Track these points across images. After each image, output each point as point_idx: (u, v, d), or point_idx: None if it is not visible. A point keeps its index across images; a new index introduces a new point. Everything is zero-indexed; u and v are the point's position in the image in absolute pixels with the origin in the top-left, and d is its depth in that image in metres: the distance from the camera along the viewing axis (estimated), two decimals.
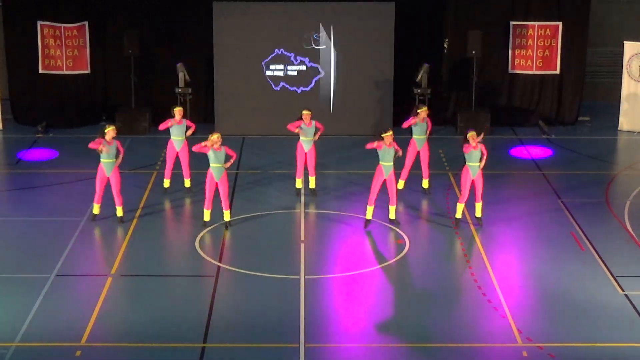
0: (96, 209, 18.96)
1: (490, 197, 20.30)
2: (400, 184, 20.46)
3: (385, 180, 18.45)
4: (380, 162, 18.38)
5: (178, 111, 20.14)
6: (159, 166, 22.16)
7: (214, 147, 18.24)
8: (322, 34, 24.73)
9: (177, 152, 20.23)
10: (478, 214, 18.86)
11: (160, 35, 25.86)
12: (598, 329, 14.89)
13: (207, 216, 18.78)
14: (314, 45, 24.38)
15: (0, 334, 14.50)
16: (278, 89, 25.11)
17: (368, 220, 18.75)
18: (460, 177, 18.71)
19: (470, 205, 18.98)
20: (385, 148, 18.25)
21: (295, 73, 25.08)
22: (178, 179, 20.51)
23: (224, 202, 18.67)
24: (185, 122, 20.20)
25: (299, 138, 20.18)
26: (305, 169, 20.38)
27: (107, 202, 18.97)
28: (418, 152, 20.35)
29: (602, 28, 27.16)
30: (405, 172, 20.54)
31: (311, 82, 25.08)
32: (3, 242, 18.23)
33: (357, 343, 14.53)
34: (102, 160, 18.57)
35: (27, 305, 15.41)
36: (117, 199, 18.79)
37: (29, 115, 25.95)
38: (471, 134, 18.37)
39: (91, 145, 18.50)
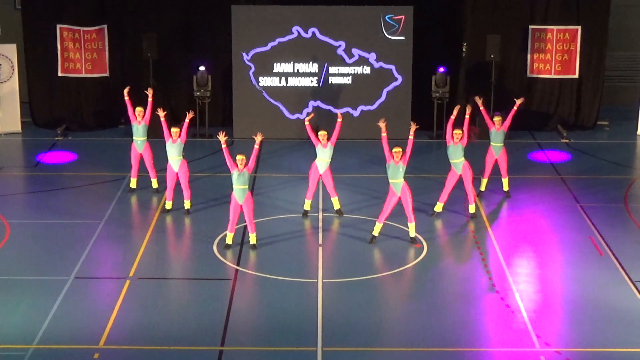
0: (133, 183, 20.77)
1: (509, 201, 20.28)
2: (439, 207, 19.60)
3: (399, 198, 17.95)
4: (389, 180, 17.87)
5: (175, 132, 19.27)
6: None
7: (237, 168, 17.50)
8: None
9: (177, 174, 19.51)
10: (505, 187, 20.60)
11: (179, 39, 25.92)
12: (616, 334, 14.82)
13: (229, 239, 18.01)
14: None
15: (18, 336, 14.56)
16: (296, 92, 25.13)
17: (374, 237, 18.29)
18: (486, 156, 20.40)
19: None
20: (392, 164, 17.70)
21: (313, 77, 25.12)
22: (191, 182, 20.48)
23: (250, 225, 17.89)
24: (181, 140, 19.25)
25: (315, 157, 19.22)
26: (325, 190, 19.95)
27: (123, 206, 18.95)
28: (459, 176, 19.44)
29: (621, 32, 27.06)
30: (444, 196, 19.49)
31: (329, 86, 25.10)
32: (22, 245, 18.28)
33: (374, 347, 14.52)
34: (134, 138, 20.40)
35: (46, 308, 15.46)
36: (151, 172, 20.59)
37: (48, 118, 26.07)
38: (496, 119, 20.31)
39: (129, 105, 20.66)
